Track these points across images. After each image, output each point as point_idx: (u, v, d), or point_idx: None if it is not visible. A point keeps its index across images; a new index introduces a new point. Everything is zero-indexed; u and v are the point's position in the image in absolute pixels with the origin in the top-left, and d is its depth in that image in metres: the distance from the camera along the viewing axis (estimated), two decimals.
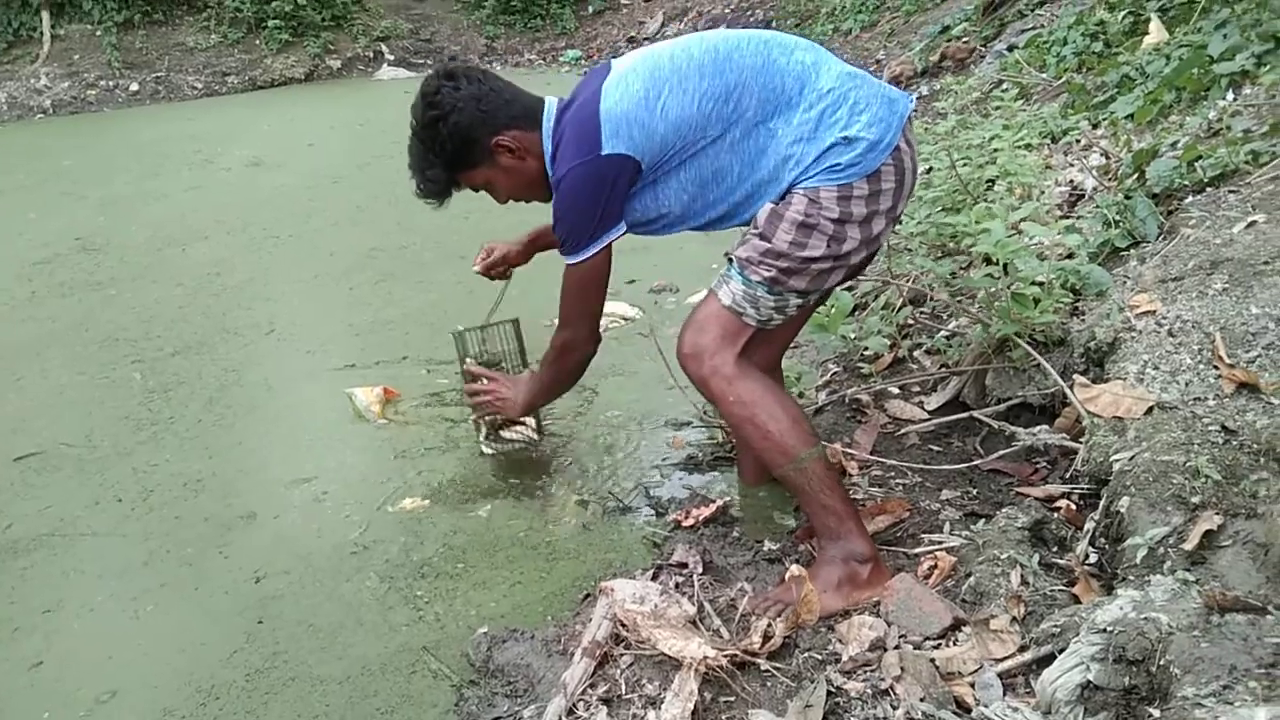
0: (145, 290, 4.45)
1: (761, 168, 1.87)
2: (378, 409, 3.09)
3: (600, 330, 2.17)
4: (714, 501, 2.25)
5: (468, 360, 2.62)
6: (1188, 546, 1.54)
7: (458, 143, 1.99)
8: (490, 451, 2.72)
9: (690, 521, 2.21)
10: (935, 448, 2.30)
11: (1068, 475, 2.05)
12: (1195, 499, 1.62)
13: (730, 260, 1.91)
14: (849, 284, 2.60)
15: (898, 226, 3.01)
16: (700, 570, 1.99)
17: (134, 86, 11.88)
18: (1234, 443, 1.70)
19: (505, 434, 2.72)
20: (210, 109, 10.94)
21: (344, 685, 1.85)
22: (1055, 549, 1.87)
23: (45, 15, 11.90)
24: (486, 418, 2.65)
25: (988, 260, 2.37)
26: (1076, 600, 1.70)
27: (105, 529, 2.50)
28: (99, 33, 12.05)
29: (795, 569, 1.84)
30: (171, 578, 2.28)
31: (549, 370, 2.25)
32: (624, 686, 1.68)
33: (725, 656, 1.65)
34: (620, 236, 1.96)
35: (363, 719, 1.77)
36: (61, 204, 6.32)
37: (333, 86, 12.44)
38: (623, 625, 1.80)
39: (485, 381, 2.52)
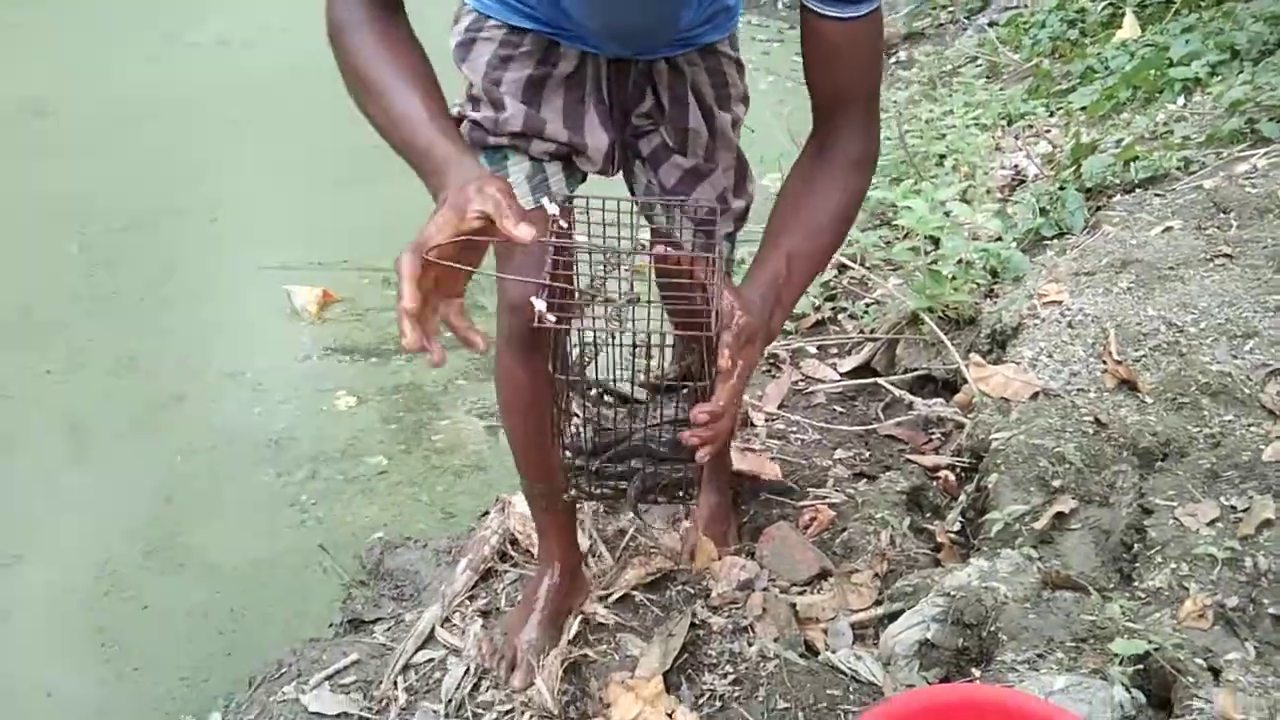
0: (96, 162, 4.38)
1: None
2: (314, 309, 3.12)
3: None
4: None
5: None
6: (1038, 525, 1.64)
7: None
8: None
9: None
10: (839, 408, 2.39)
11: (956, 449, 2.16)
12: (1056, 482, 1.73)
13: None
14: None
15: None
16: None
17: None
18: (1103, 434, 1.80)
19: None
20: None
21: (235, 572, 1.92)
22: (929, 515, 1.97)
23: None
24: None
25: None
26: (939, 564, 1.81)
27: (28, 396, 2.52)
28: None
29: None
30: (91, 451, 2.32)
31: (846, 215, 1.25)
32: (504, 600, 1.77)
33: (600, 586, 1.75)
34: None
35: (250, 607, 1.85)
36: (13, 64, 6.13)
37: None
38: (513, 542, 1.89)
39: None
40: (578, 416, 1.13)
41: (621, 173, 1.47)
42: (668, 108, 1.38)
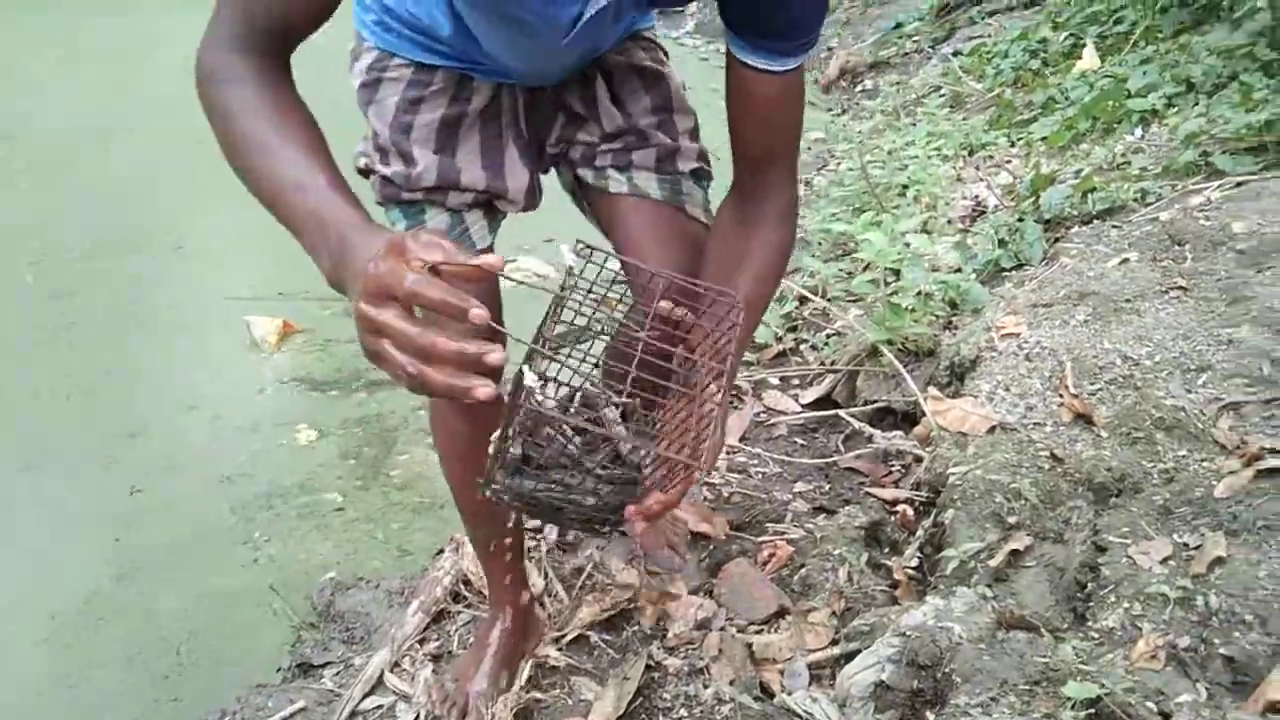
0: (57, 188, 4.33)
1: None
2: (274, 340, 3.08)
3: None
4: None
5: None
6: (993, 563, 1.64)
7: None
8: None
9: None
10: (800, 440, 2.39)
11: (915, 482, 2.15)
12: (1012, 519, 1.72)
13: None
14: None
15: (803, 221, 3.07)
16: (554, 536, 2.05)
17: None
18: (1059, 470, 1.80)
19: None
20: None
21: (180, 617, 1.88)
22: (888, 550, 1.96)
23: None
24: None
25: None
26: (896, 602, 1.79)
27: None
28: None
29: None
30: (42, 488, 2.27)
31: (784, 264, 1.27)
32: (455, 643, 1.74)
33: (555, 627, 1.72)
34: None
35: (197, 651, 1.80)
36: None
37: None
38: (466, 582, 1.86)
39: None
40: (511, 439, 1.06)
41: (556, 173, 1.44)
42: (584, 113, 1.35)
